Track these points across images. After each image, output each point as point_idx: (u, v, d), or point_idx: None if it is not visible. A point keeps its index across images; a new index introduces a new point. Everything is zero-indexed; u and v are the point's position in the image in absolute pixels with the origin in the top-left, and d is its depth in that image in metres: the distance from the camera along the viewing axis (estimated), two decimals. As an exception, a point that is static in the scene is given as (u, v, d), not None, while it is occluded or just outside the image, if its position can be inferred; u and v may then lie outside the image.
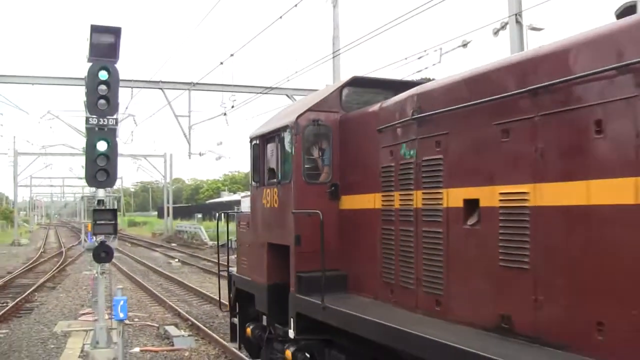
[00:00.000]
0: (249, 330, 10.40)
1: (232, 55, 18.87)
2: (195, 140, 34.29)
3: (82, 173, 78.70)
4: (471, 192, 5.84)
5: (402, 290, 6.91)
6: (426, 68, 17.76)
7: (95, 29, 12.41)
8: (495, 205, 5.51)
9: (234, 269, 11.66)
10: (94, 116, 12.37)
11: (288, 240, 8.51)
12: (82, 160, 66.55)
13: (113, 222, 12.23)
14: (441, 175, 6.26)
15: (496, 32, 16.26)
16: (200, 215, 78.68)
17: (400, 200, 6.96)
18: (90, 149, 12.31)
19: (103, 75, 12.30)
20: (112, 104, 12.40)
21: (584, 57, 4.73)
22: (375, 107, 7.70)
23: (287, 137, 8.65)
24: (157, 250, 46.26)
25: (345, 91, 8.68)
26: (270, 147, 9.39)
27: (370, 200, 7.62)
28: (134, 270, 30.84)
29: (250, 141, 10.17)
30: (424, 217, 6.51)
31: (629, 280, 4.28)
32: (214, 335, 14.47)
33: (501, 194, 5.46)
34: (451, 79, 6.37)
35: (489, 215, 5.60)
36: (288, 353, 8.43)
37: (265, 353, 9.88)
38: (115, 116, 12.52)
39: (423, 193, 6.55)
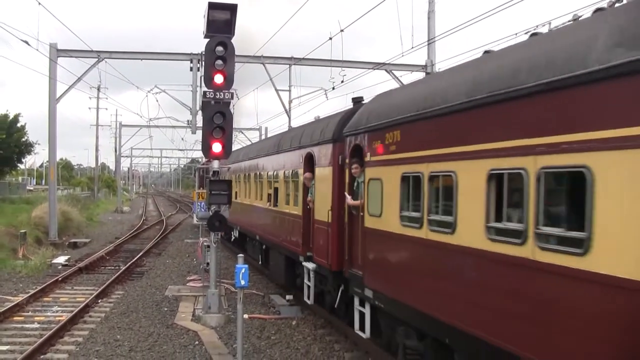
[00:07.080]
0: None
1: (342, 30, 19.01)
2: (296, 113, 35.37)
3: (182, 145, 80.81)
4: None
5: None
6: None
7: (212, 6, 12.75)
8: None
9: None
10: (211, 90, 12.80)
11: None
12: (182, 132, 68.80)
13: (227, 192, 12.69)
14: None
15: (611, 5, 15.51)
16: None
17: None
18: (206, 122, 12.76)
19: (220, 50, 12.69)
20: (228, 78, 12.79)
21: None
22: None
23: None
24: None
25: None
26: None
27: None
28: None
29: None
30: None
31: None
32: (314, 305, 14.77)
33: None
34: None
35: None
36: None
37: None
38: (230, 90, 12.91)
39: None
